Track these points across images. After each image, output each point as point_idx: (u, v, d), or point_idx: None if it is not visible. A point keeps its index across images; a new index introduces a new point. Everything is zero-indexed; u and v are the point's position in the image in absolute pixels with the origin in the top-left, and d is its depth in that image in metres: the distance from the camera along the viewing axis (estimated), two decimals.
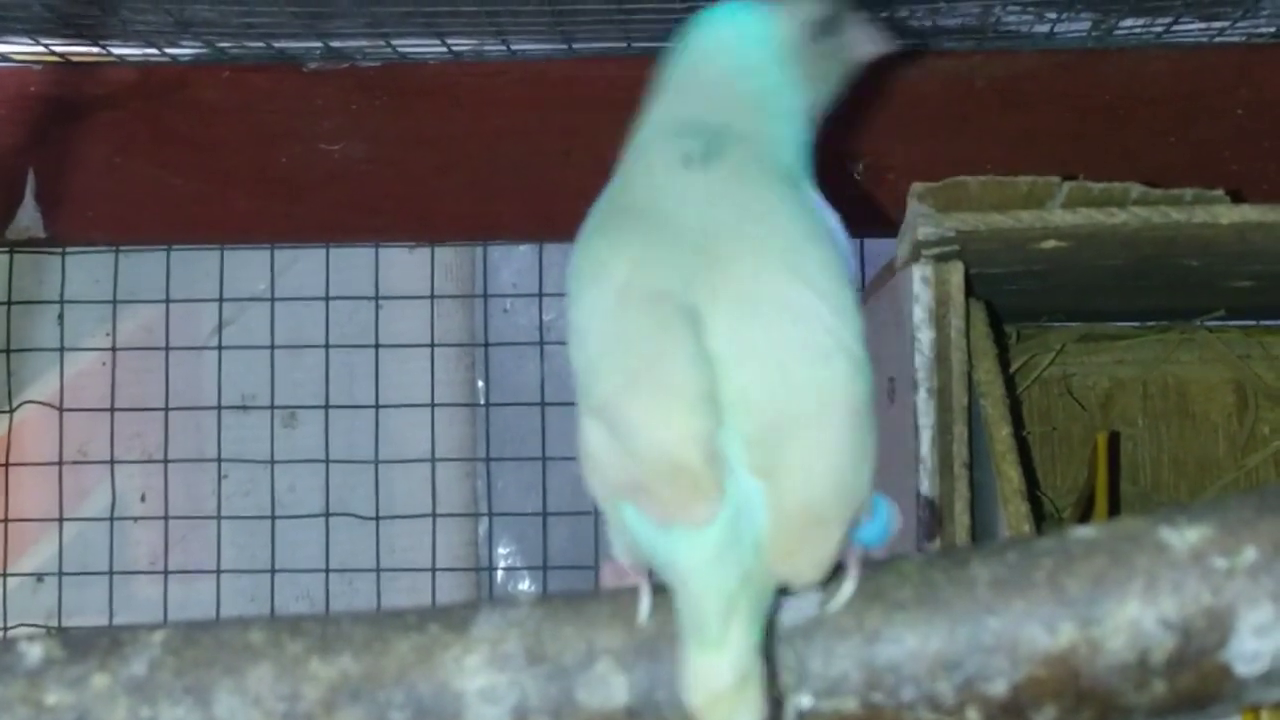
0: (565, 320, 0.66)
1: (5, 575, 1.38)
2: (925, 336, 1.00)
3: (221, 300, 1.40)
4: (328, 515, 1.37)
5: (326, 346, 1.39)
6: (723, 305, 0.61)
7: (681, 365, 0.60)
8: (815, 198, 0.68)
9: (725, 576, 0.57)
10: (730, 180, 0.67)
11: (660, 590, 0.61)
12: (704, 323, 0.61)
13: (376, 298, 1.40)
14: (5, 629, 1.36)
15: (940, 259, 1.00)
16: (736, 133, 0.68)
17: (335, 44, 1.26)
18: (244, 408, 1.40)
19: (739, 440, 0.59)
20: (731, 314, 0.61)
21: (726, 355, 0.60)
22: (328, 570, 1.37)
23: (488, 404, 1.41)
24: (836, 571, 0.60)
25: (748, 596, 0.57)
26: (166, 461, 1.39)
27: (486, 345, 1.41)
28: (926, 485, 0.99)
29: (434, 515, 1.37)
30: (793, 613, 0.60)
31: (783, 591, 0.59)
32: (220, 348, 1.40)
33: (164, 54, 1.28)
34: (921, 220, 0.98)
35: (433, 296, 1.40)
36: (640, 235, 0.65)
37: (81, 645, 0.63)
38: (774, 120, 0.70)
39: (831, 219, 0.67)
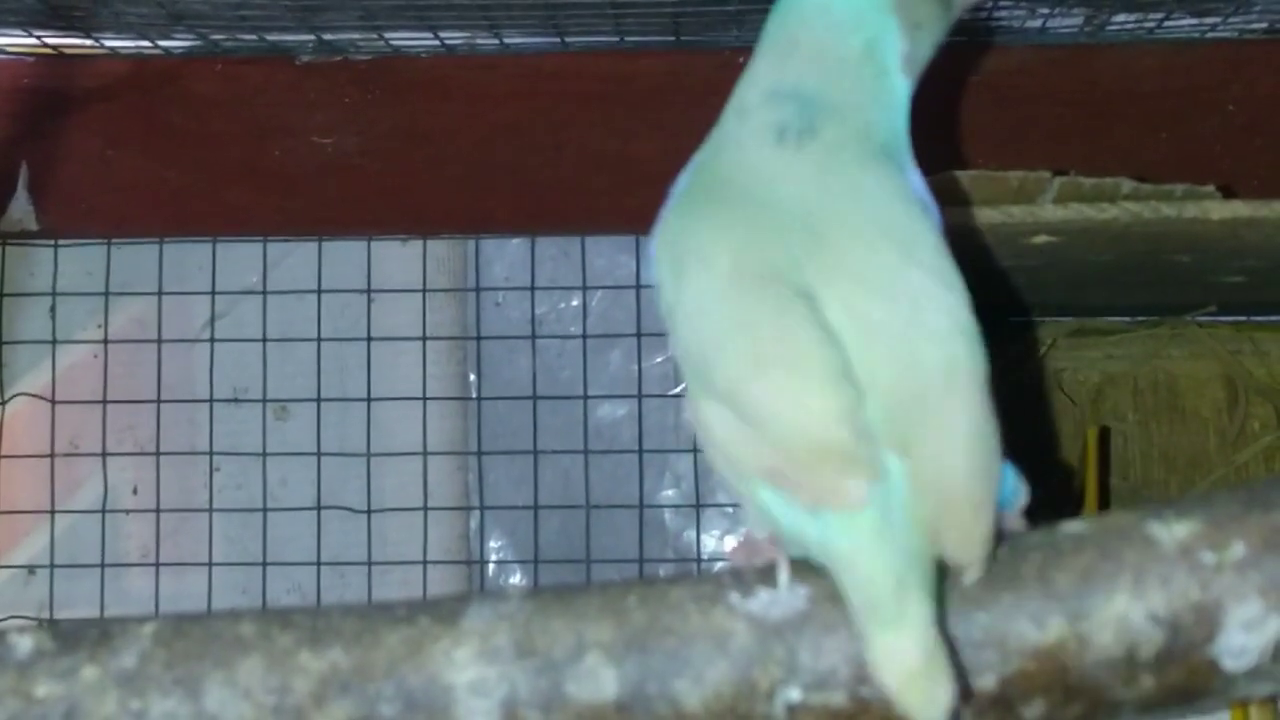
0: (668, 305, 0.63)
1: None
2: None
3: (214, 293, 1.39)
4: (319, 508, 1.37)
5: (318, 340, 1.39)
6: (838, 286, 0.60)
7: (812, 344, 0.59)
8: (912, 175, 0.67)
9: (891, 557, 0.56)
10: (826, 159, 0.65)
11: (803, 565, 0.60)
12: (819, 303, 0.60)
13: (369, 291, 1.39)
14: None
15: None
16: (833, 104, 0.66)
17: (328, 37, 1.26)
18: (236, 401, 1.40)
19: (876, 419, 0.58)
20: (849, 294, 0.60)
21: (848, 335, 0.59)
22: (319, 563, 1.36)
23: (479, 398, 1.41)
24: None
25: (916, 573, 0.56)
26: (158, 454, 1.38)
27: (479, 339, 1.40)
28: None
29: (425, 508, 1.37)
30: (781, 606, 0.60)
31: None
32: (212, 340, 1.39)
33: (156, 46, 1.28)
34: None
35: (425, 290, 1.39)
36: (742, 215, 0.63)
37: (71, 637, 0.62)
38: (874, 83, 0.68)
39: (927, 195, 0.66)
